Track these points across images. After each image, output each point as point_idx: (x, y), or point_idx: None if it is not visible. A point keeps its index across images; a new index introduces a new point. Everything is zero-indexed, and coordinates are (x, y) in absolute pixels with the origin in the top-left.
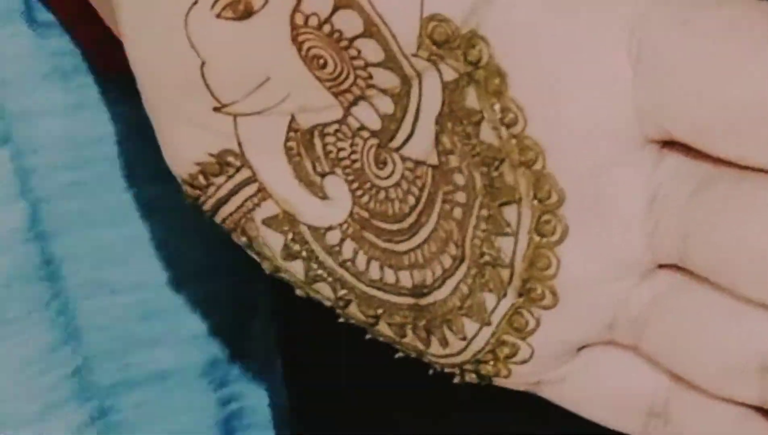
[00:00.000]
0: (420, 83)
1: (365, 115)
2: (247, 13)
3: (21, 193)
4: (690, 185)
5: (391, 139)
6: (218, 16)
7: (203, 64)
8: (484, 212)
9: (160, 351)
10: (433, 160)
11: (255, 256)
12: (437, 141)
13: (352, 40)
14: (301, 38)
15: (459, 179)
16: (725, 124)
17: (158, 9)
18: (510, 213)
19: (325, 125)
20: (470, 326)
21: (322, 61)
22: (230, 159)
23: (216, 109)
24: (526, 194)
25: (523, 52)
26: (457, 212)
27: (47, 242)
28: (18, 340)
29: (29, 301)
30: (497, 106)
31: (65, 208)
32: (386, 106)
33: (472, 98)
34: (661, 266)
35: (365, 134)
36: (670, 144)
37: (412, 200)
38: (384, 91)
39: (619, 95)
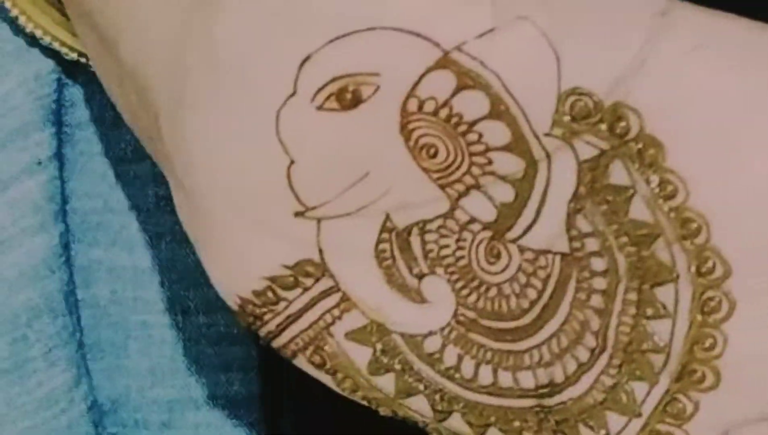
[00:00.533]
0: (549, 165)
1: (477, 206)
2: (355, 103)
3: (56, 218)
4: None
5: (509, 229)
6: (319, 107)
7: (291, 164)
8: (632, 296)
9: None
10: (562, 246)
11: (326, 378)
12: (570, 225)
13: (473, 123)
14: (411, 126)
15: (598, 264)
16: None
17: (242, 106)
18: (665, 293)
19: (427, 222)
20: (615, 420)
21: (432, 151)
22: (309, 269)
23: (298, 214)
24: (685, 271)
25: (683, 117)
26: (596, 300)
27: (74, 270)
28: (36, 381)
29: (51, 338)
30: (654, 179)
31: (94, 236)
32: (505, 193)
33: (618, 173)
34: None
35: (475, 227)
36: None
37: (533, 294)
38: (503, 178)
39: None
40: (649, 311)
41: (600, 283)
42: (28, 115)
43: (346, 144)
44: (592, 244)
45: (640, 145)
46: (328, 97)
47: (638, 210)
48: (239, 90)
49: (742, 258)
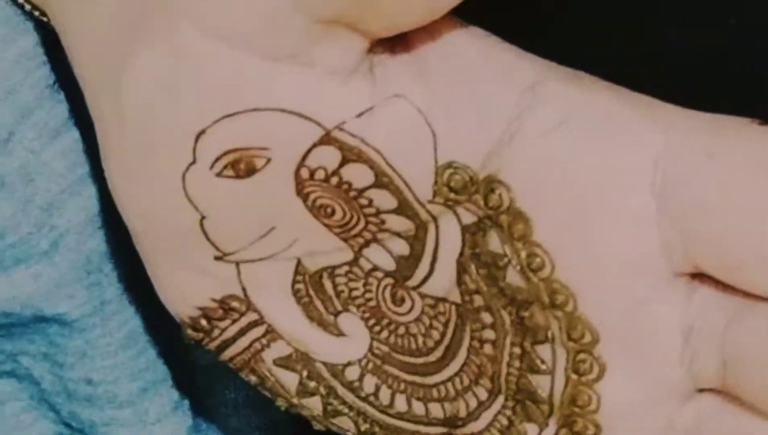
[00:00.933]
0: (437, 226)
1: (378, 257)
2: (249, 172)
3: None
4: (724, 316)
5: (408, 279)
6: (218, 175)
7: (203, 218)
8: (517, 350)
9: None
10: (456, 297)
11: (267, 393)
12: (459, 281)
13: (362, 190)
14: (306, 190)
15: (486, 318)
16: (757, 260)
17: (154, 165)
18: (544, 351)
19: (335, 267)
20: None
21: (329, 210)
22: (234, 304)
23: (218, 258)
24: (558, 335)
25: (547, 192)
26: (488, 348)
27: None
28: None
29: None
30: (522, 252)
31: None
32: (400, 248)
33: (495, 242)
34: (701, 390)
35: (379, 274)
36: (699, 275)
37: (436, 335)
38: (398, 235)
39: (646, 231)
40: (531, 366)
41: (489, 334)
42: None
43: (248, 204)
44: (478, 300)
45: (510, 218)
46: (225, 167)
47: (513, 276)
48: (146, 150)
49: (608, 325)
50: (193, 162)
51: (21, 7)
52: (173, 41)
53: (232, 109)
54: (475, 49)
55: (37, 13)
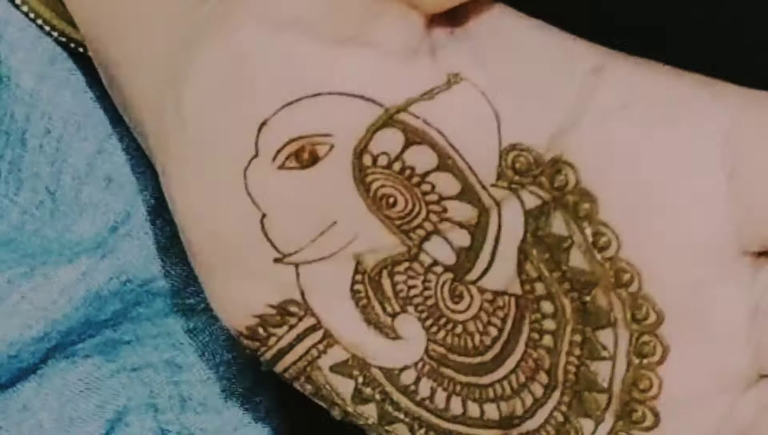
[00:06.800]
0: (499, 212)
1: (438, 250)
2: (312, 161)
3: None
4: None
5: (468, 271)
6: (281, 167)
7: (264, 216)
8: (577, 338)
9: None
10: (516, 289)
11: (321, 403)
12: (520, 269)
13: (425, 175)
14: (368, 179)
15: (547, 307)
16: None
17: (215, 166)
18: (606, 336)
19: (395, 264)
20: None
21: (391, 200)
22: (293, 308)
23: (277, 260)
24: (622, 317)
25: (614, 172)
26: (547, 340)
27: None
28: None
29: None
30: (588, 231)
31: None
32: (462, 238)
33: (559, 224)
34: (763, 376)
35: (438, 269)
36: (764, 254)
37: (494, 332)
38: (459, 224)
39: (715, 210)
40: (592, 353)
41: (550, 324)
42: None
43: (310, 198)
44: (540, 289)
45: (576, 198)
46: (287, 157)
47: (577, 259)
48: (208, 153)
49: (672, 305)
50: (255, 155)
51: (57, 41)
52: (233, 37)
53: (294, 96)
54: (534, 34)
55: (72, 45)
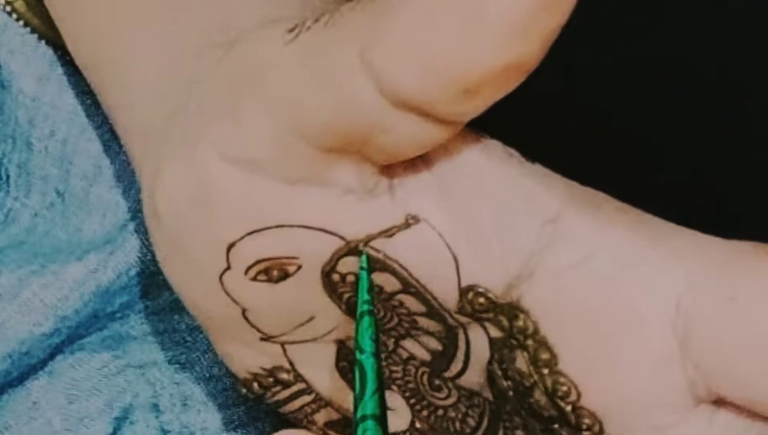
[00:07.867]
0: (465, 332)
1: (415, 349)
2: (283, 277)
3: None
4: None
5: (444, 371)
6: (253, 279)
7: (245, 310)
8: None
9: None
10: (488, 395)
11: None
12: (491, 383)
13: (393, 294)
14: (339, 291)
15: (517, 420)
16: None
17: (191, 267)
18: None
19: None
20: None
21: None
22: (283, 375)
23: (263, 339)
24: None
25: (570, 326)
26: None
27: None
28: None
29: None
30: (549, 380)
31: None
32: (434, 344)
33: (521, 361)
34: None
35: (416, 363)
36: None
37: (472, 422)
38: (431, 333)
39: (668, 369)
40: None
41: (522, 434)
42: None
43: (286, 302)
44: (509, 405)
45: (535, 346)
46: (258, 273)
47: (541, 396)
48: (184, 254)
49: None
50: (228, 268)
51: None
52: (194, 160)
53: (257, 225)
54: (496, 172)
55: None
